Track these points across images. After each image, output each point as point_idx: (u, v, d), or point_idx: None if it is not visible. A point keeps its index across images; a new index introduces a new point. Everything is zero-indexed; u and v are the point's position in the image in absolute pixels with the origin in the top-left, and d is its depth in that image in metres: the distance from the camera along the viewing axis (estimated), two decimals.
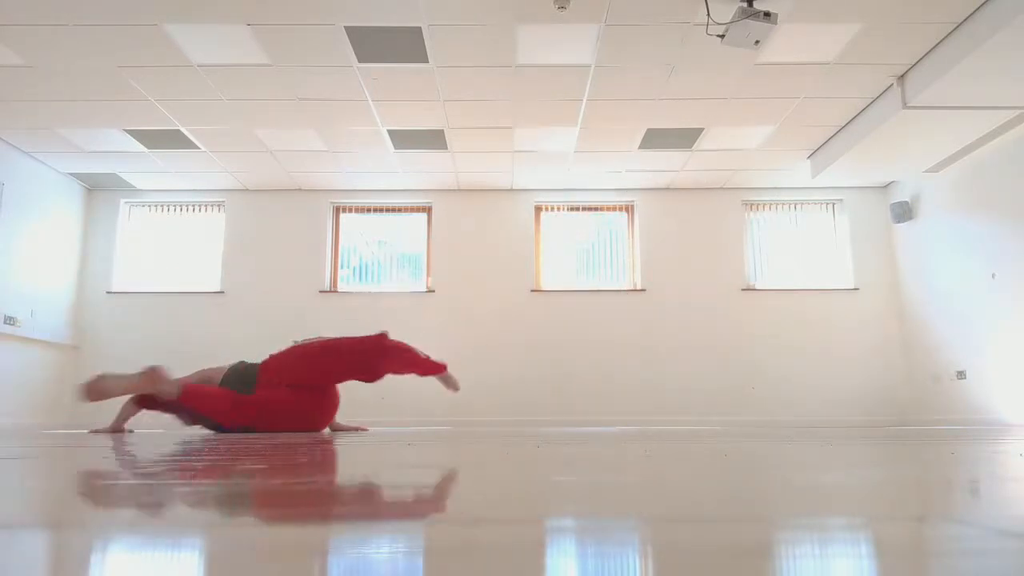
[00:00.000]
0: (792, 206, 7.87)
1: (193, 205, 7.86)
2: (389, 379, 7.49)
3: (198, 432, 4.06)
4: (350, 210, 7.91)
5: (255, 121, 6.07)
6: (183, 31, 4.66)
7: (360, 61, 5.06)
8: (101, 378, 4.03)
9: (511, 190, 7.70)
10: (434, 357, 4.42)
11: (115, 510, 0.74)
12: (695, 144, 6.61)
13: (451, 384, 4.44)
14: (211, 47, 4.86)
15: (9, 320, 6.45)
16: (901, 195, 7.37)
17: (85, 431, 4.47)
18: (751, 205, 7.86)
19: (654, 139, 6.49)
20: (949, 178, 6.63)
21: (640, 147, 6.66)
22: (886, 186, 7.66)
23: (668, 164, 7.11)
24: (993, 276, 6.08)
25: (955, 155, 6.25)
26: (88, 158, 6.86)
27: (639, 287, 7.65)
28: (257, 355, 7.45)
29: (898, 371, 7.40)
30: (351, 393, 7.46)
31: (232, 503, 0.79)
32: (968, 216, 6.42)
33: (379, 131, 6.28)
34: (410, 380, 7.40)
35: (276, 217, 7.76)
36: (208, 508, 0.75)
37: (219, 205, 7.83)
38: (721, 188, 7.77)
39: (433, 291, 7.57)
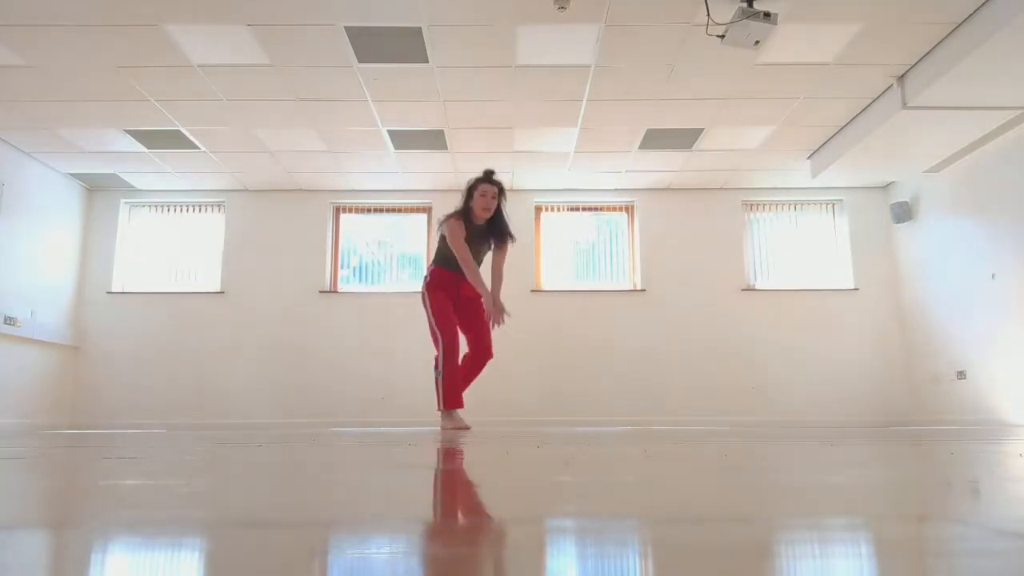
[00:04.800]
0: (792, 206, 7.87)
1: (193, 205, 7.86)
2: (390, 379, 7.51)
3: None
4: (350, 210, 7.91)
5: (255, 121, 6.07)
6: (183, 31, 4.66)
7: (360, 61, 5.06)
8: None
9: (511, 190, 7.67)
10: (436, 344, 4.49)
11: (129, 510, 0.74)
12: (695, 144, 6.61)
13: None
14: (211, 47, 4.86)
15: (9, 320, 6.45)
16: (901, 195, 7.37)
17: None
18: (751, 205, 7.86)
19: (654, 139, 6.48)
20: (949, 178, 6.63)
21: (640, 147, 6.66)
22: (886, 186, 7.66)
23: (668, 164, 7.11)
24: (993, 276, 6.08)
25: (955, 155, 6.25)
26: (88, 158, 6.85)
27: (639, 287, 7.64)
28: (257, 354, 7.46)
29: (898, 371, 7.40)
30: (352, 392, 7.46)
31: None
32: (968, 216, 6.41)
33: (379, 131, 6.28)
34: (412, 379, 7.40)
35: (276, 217, 7.75)
36: None
37: (219, 205, 7.83)
38: (721, 188, 7.77)
39: None
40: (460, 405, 4.45)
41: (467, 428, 4.43)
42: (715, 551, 0.50)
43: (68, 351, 7.33)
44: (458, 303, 4.51)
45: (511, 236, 4.54)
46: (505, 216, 4.54)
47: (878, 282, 7.58)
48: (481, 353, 4.50)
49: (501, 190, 4.48)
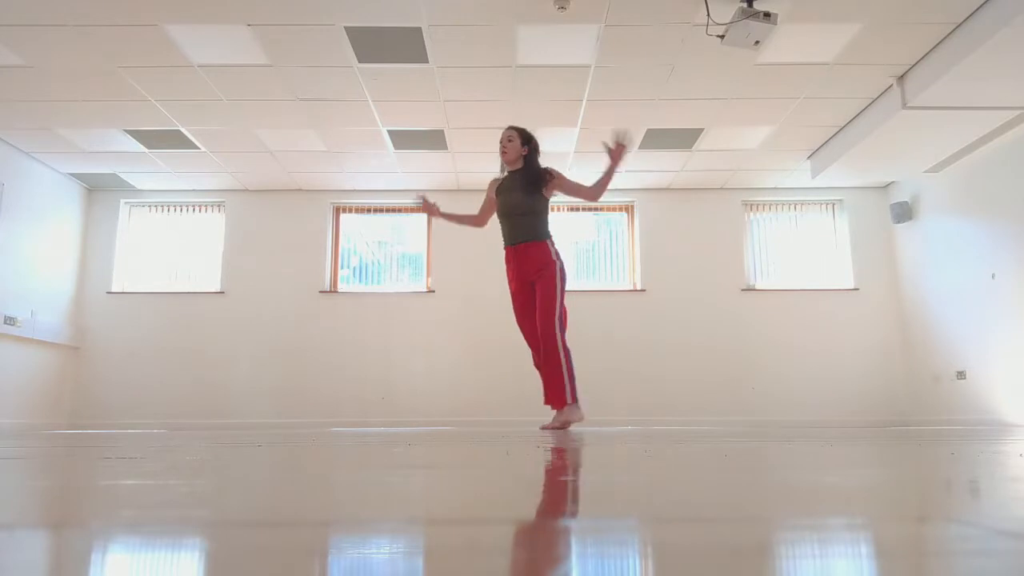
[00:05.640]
0: (792, 206, 7.87)
1: (193, 205, 7.86)
2: (390, 379, 7.51)
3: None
4: (350, 210, 7.91)
5: (255, 121, 6.07)
6: (183, 31, 4.66)
7: (360, 61, 5.06)
8: None
9: None
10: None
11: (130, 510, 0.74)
12: (695, 144, 6.61)
13: None
14: (211, 47, 4.86)
15: (9, 320, 6.44)
16: (901, 195, 7.37)
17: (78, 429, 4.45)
18: (751, 205, 7.86)
19: (654, 139, 6.48)
20: (949, 178, 6.63)
21: (640, 147, 6.66)
22: (886, 186, 7.66)
23: (668, 164, 7.11)
24: (993, 276, 6.08)
25: (955, 155, 6.24)
26: (88, 158, 6.85)
27: (639, 287, 7.64)
28: (257, 354, 7.46)
29: (898, 371, 7.40)
30: (353, 392, 7.46)
31: None
32: (968, 216, 6.41)
33: (379, 131, 6.28)
34: (412, 379, 7.41)
35: (276, 217, 7.75)
36: None
37: (219, 205, 7.83)
38: (721, 188, 7.77)
39: (433, 291, 7.57)
40: (550, 403, 4.28)
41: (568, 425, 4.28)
42: (715, 551, 0.50)
43: (68, 351, 7.33)
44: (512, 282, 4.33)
45: (544, 175, 4.26)
46: (538, 162, 4.35)
47: (878, 282, 7.58)
48: (534, 345, 4.30)
49: (521, 133, 4.31)
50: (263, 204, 7.77)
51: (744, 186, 7.72)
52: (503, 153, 4.30)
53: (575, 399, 4.18)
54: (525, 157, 4.30)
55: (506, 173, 4.38)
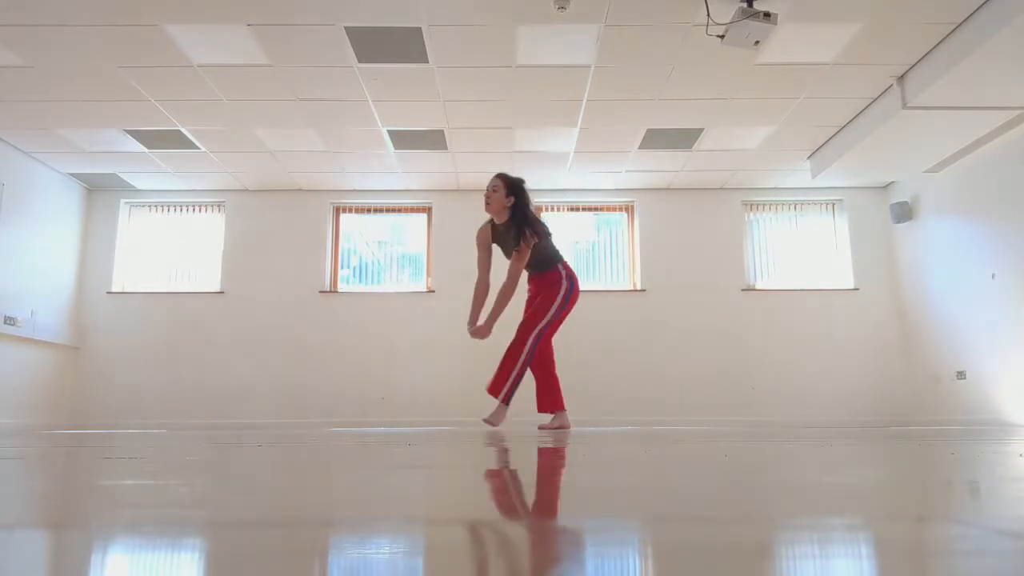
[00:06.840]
0: (792, 206, 7.87)
1: (193, 205, 7.86)
2: (390, 378, 7.51)
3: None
4: (350, 210, 7.90)
5: (255, 121, 6.06)
6: (183, 31, 4.66)
7: (360, 61, 5.06)
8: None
9: None
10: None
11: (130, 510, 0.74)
12: (695, 144, 6.61)
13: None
14: (211, 47, 4.86)
15: (9, 320, 6.44)
16: (901, 195, 7.37)
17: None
18: (751, 205, 7.86)
19: (654, 139, 6.48)
20: (949, 178, 6.63)
21: (640, 147, 6.66)
22: (886, 186, 7.66)
23: (668, 164, 7.11)
24: (993, 276, 6.08)
25: (955, 155, 6.24)
26: (88, 158, 6.85)
27: (639, 287, 7.64)
28: (257, 354, 7.46)
29: (898, 371, 7.40)
30: (352, 392, 7.46)
31: None
32: (968, 216, 6.41)
33: (379, 131, 6.28)
34: (412, 379, 7.41)
35: (276, 217, 7.75)
36: None
37: (219, 205, 7.83)
38: (721, 188, 7.77)
39: (433, 291, 7.57)
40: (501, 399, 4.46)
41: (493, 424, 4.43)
42: (715, 551, 0.50)
43: (68, 351, 7.33)
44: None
45: (522, 237, 4.23)
46: (525, 214, 4.29)
47: (878, 282, 7.58)
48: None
49: (507, 183, 4.35)
50: (263, 204, 7.77)
51: (744, 186, 7.72)
52: (487, 204, 4.35)
53: (507, 402, 4.37)
54: (511, 209, 4.30)
55: (491, 221, 4.44)
